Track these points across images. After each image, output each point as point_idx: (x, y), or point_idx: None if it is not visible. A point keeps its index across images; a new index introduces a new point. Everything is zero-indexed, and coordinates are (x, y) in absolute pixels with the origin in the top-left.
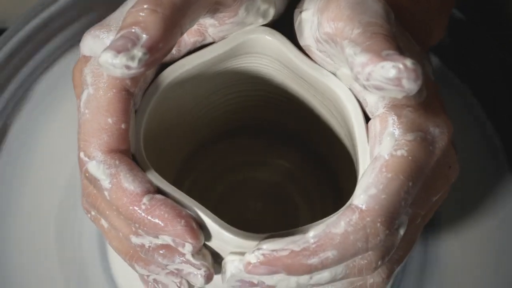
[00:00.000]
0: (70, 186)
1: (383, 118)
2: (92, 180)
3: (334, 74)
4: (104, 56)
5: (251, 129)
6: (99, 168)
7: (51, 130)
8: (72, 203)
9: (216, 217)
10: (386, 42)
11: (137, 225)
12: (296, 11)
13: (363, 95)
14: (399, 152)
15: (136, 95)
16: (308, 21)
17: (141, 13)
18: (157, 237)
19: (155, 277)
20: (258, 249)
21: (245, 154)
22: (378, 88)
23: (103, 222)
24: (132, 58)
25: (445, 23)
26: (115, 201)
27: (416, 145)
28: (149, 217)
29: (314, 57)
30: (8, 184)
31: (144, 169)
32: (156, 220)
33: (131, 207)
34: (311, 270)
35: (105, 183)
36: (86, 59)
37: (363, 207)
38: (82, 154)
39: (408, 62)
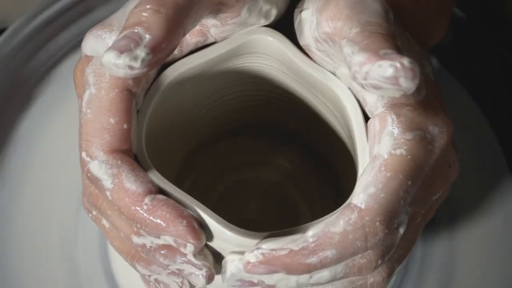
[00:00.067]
0: (71, 187)
1: (382, 117)
2: (94, 180)
3: (334, 74)
4: (107, 56)
5: (252, 128)
6: (101, 168)
7: (52, 131)
8: (72, 203)
9: (216, 215)
10: (384, 41)
11: (138, 226)
12: (296, 10)
13: (363, 94)
14: (398, 151)
15: (138, 95)
16: (307, 20)
17: (144, 13)
18: (158, 237)
19: (156, 277)
20: (257, 248)
21: (246, 154)
22: (376, 87)
23: (104, 222)
24: (135, 58)
25: (445, 23)
26: (117, 201)
27: (415, 144)
28: (151, 218)
29: (313, 56)
30: (9, 185)
31: (145, 169)
32: (158, 221)
33: (133, 208)
34: (310, 269)
35: (107, 183)
36: (88, 59)
37: (362, 206)
38: (84, 154)
39: (405, 61)
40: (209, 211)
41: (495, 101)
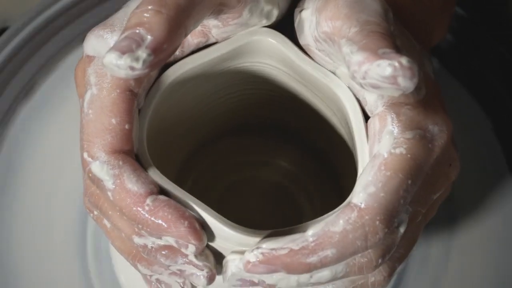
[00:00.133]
0: (71, 186)
1: (382, 116)
2: (96, 181)
3: (334, 73)
4: (109, 57)
5: (253, 127)
6: (103, 168)
7: (52, 131)
8: (73, 203)
9: (217, 214)
10: (383, 40)
11: (140, 226)
12: (296, 10)
13: (363, 93)
14: (398, 150)
15: (139, 95)
16: (307, 20)
17: (145, 14)
18: (160, 238)
19: (158, 277)
20: (257, 248)
21: (246, 154)
22: (375, 87)
23: (105, 222)
24: (137, 59)
25: (447, 22)
26: (119, 202)
27: (415, 143)
28: (152, 218)
29: (314, 56)
30: (9, 184)
31: (147, 168)
32: (160, 221)
33: (134, 208)
34: (310, 268)
35: (109, 183)
36: (90, 59)
37: (362, 205)
38: (85, 155)
39: (404, 60)
40: (210, 209)
41: (495, 101)
